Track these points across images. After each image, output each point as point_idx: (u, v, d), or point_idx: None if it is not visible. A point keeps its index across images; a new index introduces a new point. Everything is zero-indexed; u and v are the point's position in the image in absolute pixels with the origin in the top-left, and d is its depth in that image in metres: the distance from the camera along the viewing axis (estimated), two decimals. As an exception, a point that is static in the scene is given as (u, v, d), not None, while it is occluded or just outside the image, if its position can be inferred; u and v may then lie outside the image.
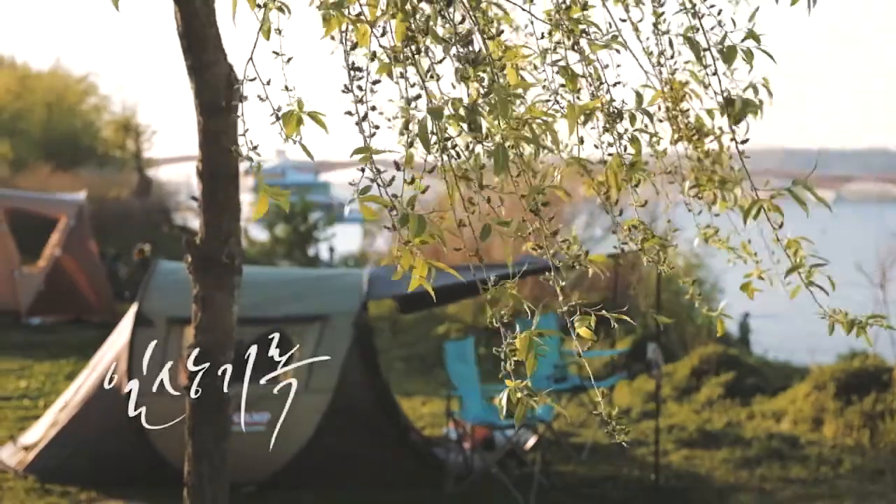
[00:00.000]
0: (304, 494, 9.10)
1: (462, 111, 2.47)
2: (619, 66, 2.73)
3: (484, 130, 2.52)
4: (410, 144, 2.51)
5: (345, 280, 10.43)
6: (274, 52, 2.56)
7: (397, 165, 2.53)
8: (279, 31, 2.57)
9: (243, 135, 2.56)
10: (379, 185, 2.49)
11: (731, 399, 13.15)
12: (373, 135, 2.51)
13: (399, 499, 9.20)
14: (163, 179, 45.65)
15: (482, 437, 10.30)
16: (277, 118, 2.52)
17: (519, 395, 2.60)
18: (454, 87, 2.56)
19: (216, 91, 5.57)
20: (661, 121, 2.90)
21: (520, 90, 2.52)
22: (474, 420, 9.88)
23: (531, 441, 10.39)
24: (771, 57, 2.59)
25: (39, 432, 9.95)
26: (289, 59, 2.58)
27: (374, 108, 2.53)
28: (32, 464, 9.62)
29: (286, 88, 2.54)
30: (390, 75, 2.54)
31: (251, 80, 2.55)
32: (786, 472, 10.40)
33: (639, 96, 2.72)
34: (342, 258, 29.31)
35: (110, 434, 9.29)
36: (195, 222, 5.94)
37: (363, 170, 2.48)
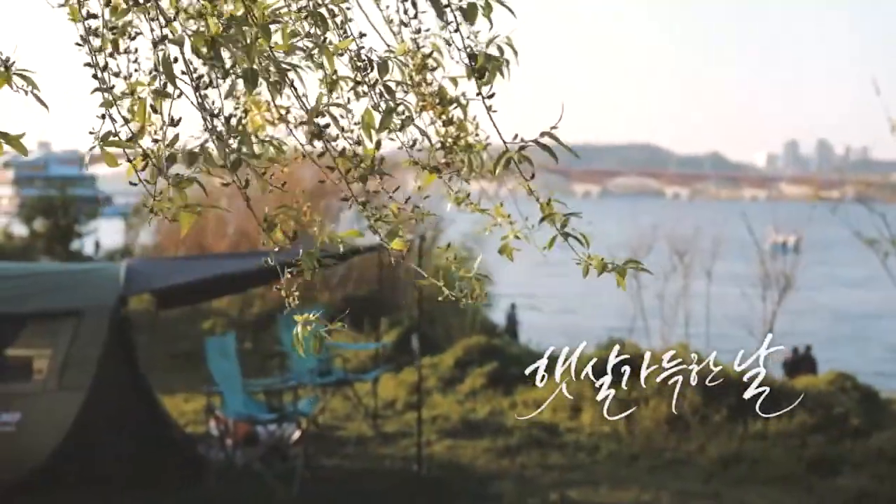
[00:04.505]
0: (59, 496, 8.76)
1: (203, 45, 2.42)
2: (363, 35, 2.70)
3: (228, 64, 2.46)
4: (164, 86, 2.42)
5: (101, 274, 10.10)
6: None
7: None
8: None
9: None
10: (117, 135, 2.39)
11: (495, 389, 13.38)
12: (112, 87, 2.42)
13: (160, 497, 9.00)
14: None
15: (244, 432, 10.17)
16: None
17: (308, 328, 2.52)
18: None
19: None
20: (406, 92, 2.88)
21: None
22: (236, 416, 9.75)
23: (296, 435, 10.32)
24: (511, 11, 2.61)
25: None
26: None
27: (111, 55, 2.43)
28: None
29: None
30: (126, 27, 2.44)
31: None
32: (545, 459, 10.67)
33: (384, 63, 2.70)
34: (108, 253, 28.46)
35: None
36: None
37: (103, 116, 2.39)
